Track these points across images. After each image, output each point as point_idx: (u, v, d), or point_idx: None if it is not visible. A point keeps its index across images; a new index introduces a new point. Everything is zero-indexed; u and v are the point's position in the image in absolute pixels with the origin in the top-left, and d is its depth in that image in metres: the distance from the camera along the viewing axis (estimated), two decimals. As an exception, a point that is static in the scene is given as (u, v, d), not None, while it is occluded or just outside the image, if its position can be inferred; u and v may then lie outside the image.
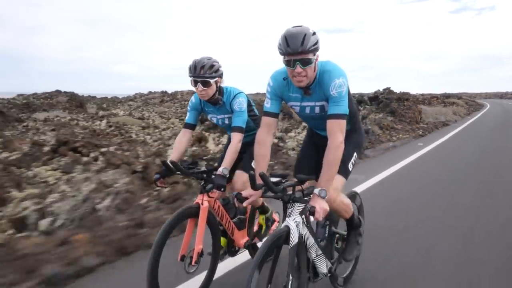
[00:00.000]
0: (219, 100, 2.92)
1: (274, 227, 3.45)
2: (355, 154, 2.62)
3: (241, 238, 3.06)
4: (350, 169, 2.58)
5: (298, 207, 2.18)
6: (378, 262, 3.39)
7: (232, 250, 3.09)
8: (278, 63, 2.32)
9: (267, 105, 2.45)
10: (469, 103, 39.55)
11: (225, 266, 3.18)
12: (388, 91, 21.27)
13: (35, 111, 19.78)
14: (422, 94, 38.51)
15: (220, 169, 2.68)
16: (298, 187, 2.16)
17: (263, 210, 3.26)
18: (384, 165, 7.78)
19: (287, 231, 2.11)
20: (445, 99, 33.67)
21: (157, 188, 2.75)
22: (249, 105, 3.05)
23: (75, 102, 26.34)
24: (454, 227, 4.29)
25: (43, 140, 8.03)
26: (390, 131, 13.47)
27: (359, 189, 5.62)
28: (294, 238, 2.11)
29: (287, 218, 2.16)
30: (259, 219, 3.30)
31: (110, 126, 14.09)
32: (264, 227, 3.31)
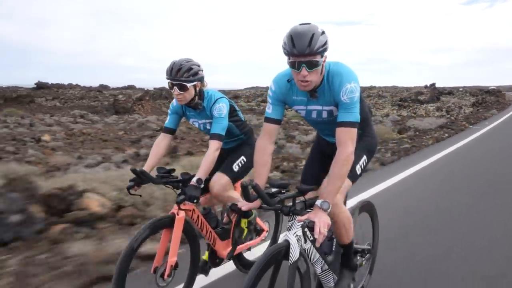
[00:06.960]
0: (199, 105, 2.77)
1: (263, 236, 3.28)
2: (364, 157, 2.40)
3: (224, 248, 2.91)
4: (359, 173, 2.36)
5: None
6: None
7: (215, 262, 2.96)
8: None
9: (269, 110, 2.27)
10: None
11: (208, 277, 3.02)
12: (492, 87, 43.24)
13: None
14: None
15: (194, 180, 2.54)
16: (300, 198, 1.97)
17: (245, 213, 3.02)
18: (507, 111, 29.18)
19: (286, 246, 1.93)
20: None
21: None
22: (233, 110, 2.89)
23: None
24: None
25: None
26: (499, 102, 34.50)
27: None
28: (294, 254, 1.92)
29: (287, 232, 1.98)
30: (241, 223, 3.07)
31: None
32: (246, 231, 3.09)
